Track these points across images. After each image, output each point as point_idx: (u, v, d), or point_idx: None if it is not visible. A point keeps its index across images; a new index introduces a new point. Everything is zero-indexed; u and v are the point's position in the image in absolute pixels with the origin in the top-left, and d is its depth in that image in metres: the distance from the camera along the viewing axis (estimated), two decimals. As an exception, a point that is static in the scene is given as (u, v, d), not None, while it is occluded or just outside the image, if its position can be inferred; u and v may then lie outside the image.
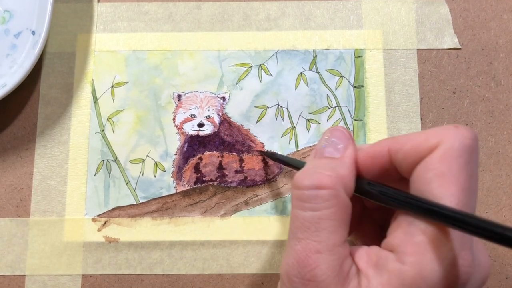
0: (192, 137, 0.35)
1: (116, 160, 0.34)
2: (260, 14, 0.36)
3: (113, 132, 0.35)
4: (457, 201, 0.21)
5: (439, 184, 0.21)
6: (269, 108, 0.35)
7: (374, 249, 0.23)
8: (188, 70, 0.36)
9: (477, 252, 0.22)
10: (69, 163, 0.34)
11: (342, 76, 0.35)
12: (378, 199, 0.24)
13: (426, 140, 0.22)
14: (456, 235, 0.21)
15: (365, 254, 0.23)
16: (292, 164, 0.30)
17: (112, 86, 0.35)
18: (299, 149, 0.34)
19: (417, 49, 0.36)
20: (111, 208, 0.34)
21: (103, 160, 0.34)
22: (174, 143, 0.35)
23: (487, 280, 0.23)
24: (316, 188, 0.23)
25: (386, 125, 0.35)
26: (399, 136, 0.24)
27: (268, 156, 0.34)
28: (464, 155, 0.21)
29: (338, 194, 0.23)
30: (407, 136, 0.23)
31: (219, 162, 0.34)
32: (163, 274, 0.33)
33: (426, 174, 0.22)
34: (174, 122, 0.35)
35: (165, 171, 0.34)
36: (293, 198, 0.23)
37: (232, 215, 0.34)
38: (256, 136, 0.35)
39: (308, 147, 0.35)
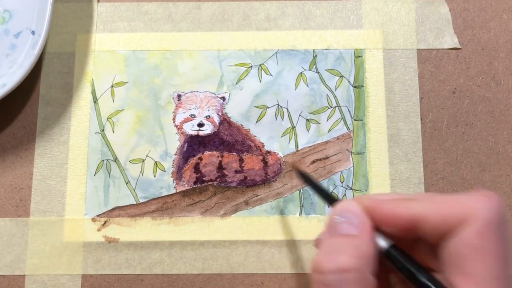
0: (192, 137, 0.35)
1: (116, 160, 0.34)
2: (260, 14, 0.36)
3: (113, 132, 0.35)
4: (496, 274, 0.20)
5: (476, 259, 0.21)
6: (269, 108, 0.35)
7: None
8: (188, 70, 0.36)
9: None
10: (69, 163, 0.34)
11: (342, 76, 0.35)
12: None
13: (454, 209, 0.22)
14: None
15: None
16: (324, 195, 0.28)
17: (112, 86, 0.35)
18: (299, 149, 0.34)
19: (417, 49, 0.36)
20: (111, 208, 0.34)
21: (103, 160, 0.34)
22: (174, 143, 0.35)
23: None
24: (341, 271, 0.21)
25: (386, 125, 0.35)
26: (425, 199, 0.23)
27: (301, 177, 0.31)
28: (500, 227, 0.21)
29: (365, 276, 0.21)
30: (433, 203, 0.22)
31: (219, 162, 0.34)
32: (163, 274, 0.33)
33: (460, 249, 0.21)
34: (174, 122, 0.35)
35: (165, 171, 0.34)
36: (316, 283, 0.22)
37: (232, 215, 0.34)
38: (256, 136, 0.35)
39: (307, 147, 0.35)
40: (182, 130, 0.35)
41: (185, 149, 0.34)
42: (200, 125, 0.35)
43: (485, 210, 0.21)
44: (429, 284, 0.22)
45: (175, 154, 0.34)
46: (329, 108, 0.35)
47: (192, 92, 0.35)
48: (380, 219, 0.23)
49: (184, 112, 0.35)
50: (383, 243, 0.23)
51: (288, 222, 0.33)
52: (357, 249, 0.22)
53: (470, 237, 0.21)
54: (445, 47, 0.36)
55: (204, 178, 0.34)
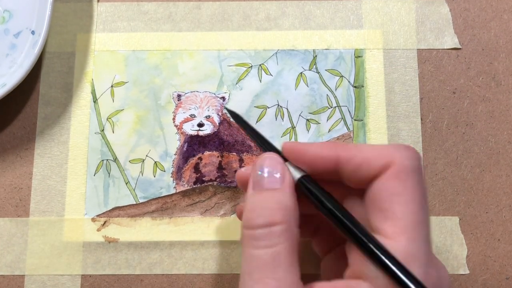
0: (192, 137, 0.35)
1: (115, 160, 0.34)
2: (260, 14, 0.36)
3: (113, 132, 0.35)
4: (418, 218, 0.22)
5: (398, 202, 0.22)
6: (269, 108, 0.35)
7: (342, 284, 0.22)
8: (188, 70, 0.36)
9: (439, 267, 0.23)
10: (69, 163, 0.34)
11: (342, 76, 0.35)
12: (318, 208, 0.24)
13: (379, 157, 0.23)
14: (422, 253, 0.21)
15: None
16: (260, 141, 0.27)
17: (111, 86, 0.35)
18: (299, 149, 0.34)
19: (417, 49, 0.36)
20: (111, 208, 0.34)
21: (102, 160, 0.34)
22: (174, 143, 0.35)
23: None
24: (268, 225, 0.22)
25: (386, 125, 0.35)
26: (350, 144, 0.24)
27: (233, 117, 0.29)
28: (417, 174, 0.22)
29: (291, 228, 0.23)
30: (357, 147, 0.24)
31: (219, 162, 0.34)
32: (163, 274, 0.33)
33: (383, 193, 0.22)
34: (174, 122, 0.35)
35: (164, 171, 0.34)
36: (245, 238, 0.23)
37: (232, 215, 0.34)
38: (256, 136, 0.35)
39: (308, 147, 0.35)
40: (182, 130, 0.35)
41: (185, 149, 0.34)
42: (200, 125, 0.35)
43: (403, 157, 0.22)
44: (334, 209, 0.23)
45: (175, 154, 0.34)
46: (329, 108, 0.35)
47: (192, 92, 0.35)
48: (305, 161, 0.24)
49: (184, 112, 0.35)
50: (297, 174, 0.24)
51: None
52: (281, 203, 0.23)
53: (390, 181, 0.22)
54: (445, 47, 0.36)
55: (204, 178, 0.34)
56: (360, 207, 0.24)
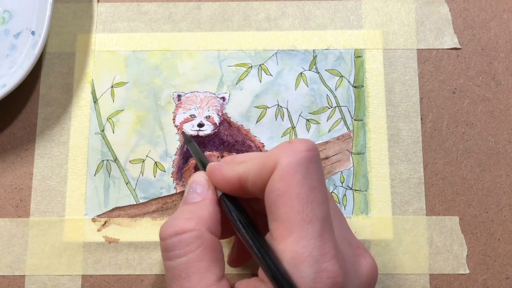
0: (192, 137, 0.35)
1: (116, 160, 0.34)
2: (260, 14, 0.36)
3: (113, 132, 0.35)
4: (302, 216, 0.21)
5: (282, 203, 0.22)
6: (269, 108, 0.35)
7: (252, 281, 0.23)
8: (188, 70, 0.36)
9: (353, 258, 0.23)
10: (69, 163, 0.34)
11: (342, 76, 0.35)
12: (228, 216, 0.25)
13: (265, 163, 0.23)
14: (313, 248, 0.21)
15: (245, 287, 0.23)
16: (198, 160, 0.30)
17: (112, 86, 0.35)
18: (299, 149, 0.34)
19: (417, 49, 0.36)
20: (111, 208, 0.34)
21: (103, 160, 0.34)
22: (174, 143, 0.35)
23: (374, 282, 0.24)
24: (178, 234, 0.23)
25: (386, 125, 0.35)
26: (249, 160, 0.24)
27: (185, 139, 0.33)
28: (300, 169, 0.22)
29: (201, 234, 0.23)
30: (251, 162, 0.24)
31: (219, 162, 0.34)
32: (163, 274, 0.33)
33: (270, 196, 0.22)
34: (174, 122, 0.35)
35: (165, 171, 0.34)
36: (161, 250, 0.24)
37: (232, 215, 0.34)
38: (256, 136, 0.35)
39: (308, 147, 0.35)
40: (182, 130, 0.35)
41: (185, 149, 0.34)
42: (200, 125, 0.35)
43: (284, 156, 0.22)
44: (238, 222, 0.24)
45: (175, 155, 0.34)
46: (329, 108, 0.35)
47: (192, 92, 0.35)
48: (216, 183, 0.26)
49: (184, 112, 0.35)
50: (219, 192, 0.26)
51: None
52: (193, 213, 0.24)
53: (274, 183, 0.22)
54: (445, 47, 0.36)
55: (204, 178, 0.34)
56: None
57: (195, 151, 0.30)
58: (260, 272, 0.22)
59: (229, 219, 0.25)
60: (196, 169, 0.34)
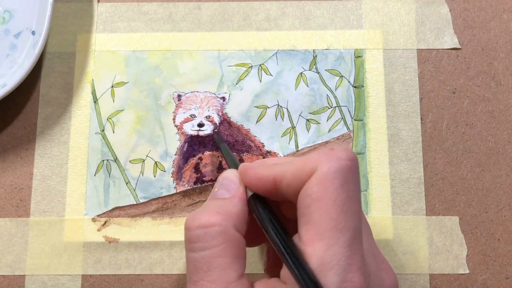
0: (192, 137, 0.35)
1: (116, 160, 0.34)
2: (260, 14, 0.36)
3: (113, 132, 0.35)
4: (335, 224, 0.21)
5: (316, 207, 0.22)
6: (269, 108, 0.35)
7: (272, 281, 0.23)
8: (188, 70, 0.36)
9: (377, 272, 0.23)
10: (69, 163, 0.34)
11: (342, 76, 0.35)
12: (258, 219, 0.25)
13: (304, 166, 0.23)
14: (341, 257, 0.21)
15: (264, 286, 0.23)
16: (229, 160, 0.30)
17: (112, 86, 0.35)
18: (299, 149, 0.35)
19: (417, 49, 0.36)
20: (111, 208, 0.34)
21: (103, 160, 0.34)
22: (174, 143, 0.35)
23: None
24: (203, 227, 0.23)
25: (386, 125, 0.35)
26: (284, 163, 0.24)
27: (216, 141, 0.34)
28: (340, 176, 0.22)
29: (227, 230, 0.23)
30: (289, 163, 0.24)
31: (219, 162, 0.34)
32: (163, 274, 0.33)
33: (305, 199, 0.22)
34: (174, 122, 0.35)
35: (165, 171, 0.34)
36: (185, 241, 0.24)
37: (232, 215, 0.34)
38: (256, 136, 0.35)
39: (308, 147, 0.35)
40: (182, 130, 0.35)
41: (185, 149, 0.34)
42: (200, 125, 0.35)
43: (325, 162, 0.22)
44: (267, 221, 0.24)
45: (175, 154, 0.34)
46: (329, 108, 0.35)
47: (192, 92, 0.35)
48: (249, 182, 0.25)
49: (184, 112, 0.35)
50: (250, 192, 0.26)
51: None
52: (221, 208, 0.24)
53: (311, 187, 0.22)
54: (445, 47, 0.36)
55: (204, 178, 0.34)
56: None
57: (226, 151, 0.31)
58: (283, 273, 0.22)
59: (258, 219, 0.25)
60: (196, 169, 0.34)
